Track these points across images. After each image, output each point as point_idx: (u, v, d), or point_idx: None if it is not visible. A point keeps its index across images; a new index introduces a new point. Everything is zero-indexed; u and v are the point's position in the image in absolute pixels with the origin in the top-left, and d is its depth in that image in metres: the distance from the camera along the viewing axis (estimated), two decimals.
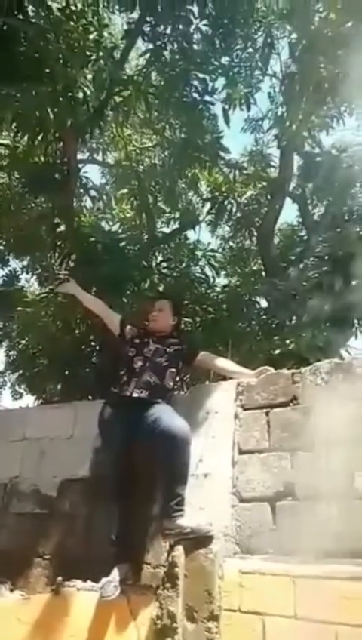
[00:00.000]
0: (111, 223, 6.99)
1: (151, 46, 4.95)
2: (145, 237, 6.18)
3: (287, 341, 4.47)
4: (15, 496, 3.07)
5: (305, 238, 6.66)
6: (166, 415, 2.47)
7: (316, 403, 2.45)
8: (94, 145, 6.46)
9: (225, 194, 6.86)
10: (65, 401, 3.75)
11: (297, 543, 2.18)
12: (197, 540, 2.25)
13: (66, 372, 5.75)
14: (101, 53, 4.38)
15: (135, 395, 2.58)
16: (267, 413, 2.57)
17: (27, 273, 9.08)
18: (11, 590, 2.67)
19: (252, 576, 2.12)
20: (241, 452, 2.54)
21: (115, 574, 2.33)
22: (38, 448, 3.16)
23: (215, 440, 2.62)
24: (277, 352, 4.44)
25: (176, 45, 4.91)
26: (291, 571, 2.05)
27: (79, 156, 6.16)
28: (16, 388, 9.49)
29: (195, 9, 4.56)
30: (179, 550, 2.25)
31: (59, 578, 2.50)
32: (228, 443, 2.58)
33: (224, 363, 2.95)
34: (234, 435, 2.59)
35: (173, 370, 2.76)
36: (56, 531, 2.81)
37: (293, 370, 2.65)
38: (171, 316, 3.06)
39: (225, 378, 2.89)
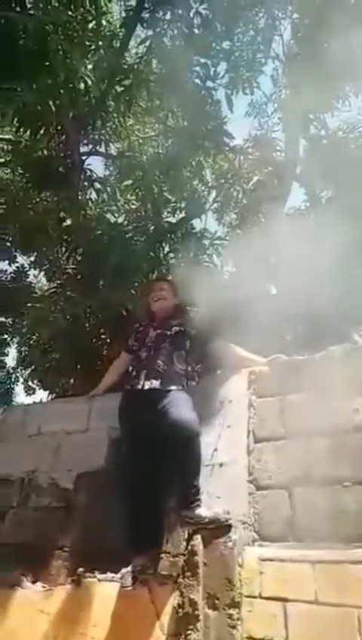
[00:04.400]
0: (116, 215, 6.95)
1: (150, 32, 4.87)
2: (152, 228, 6.14)
3: (299, 327, 4.44)
4: (33, 490, 3.09)
5: (313, 221, 6.57)
6: (174, 407, 2.43)
7: (330, 388, 2.43)
8: (97, 136, 6.39)
9: (230, 181, 6.79)
10: (78, 395, 3.75)
11: (315, 528, 2.18)
12: (216, 529, 2.26)
13: (78, 366, 5.77)
14: (100, 43, 4.33)
15: (147, 386, 2.57)
16: (281, 401, 2.55)
17: (35, 269, 9.12)
18: (33, 582, 2.70)
19: (272, 563, 2.13)
20: (257, 440, 2.53)
21: (135, 564, 2.35)
22: (54, 442, 3.18)
23: (230, 429, 2.61)
24: (288, 338, 4.42)
25: (176, 31, 4.83)
26: (311, 557, 2.05)
27: (82, 148, 6.13)
28: (29, 383, 9.59)
29: None
30: (198, 539, 2.26)
31: (80, 569, 2.53)
32: (243, 431, 2.57)
33: (236, 351, 2.92)
34: (249, 423, 2.58)
35: (182, 352, 2.73)
36: (74, 523, 2.83)
37: (306, 356, 2.63)
38: (173, 297, 3.04)
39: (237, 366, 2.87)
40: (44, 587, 2.64)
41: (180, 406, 2.46)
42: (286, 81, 5.67)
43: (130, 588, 2.28)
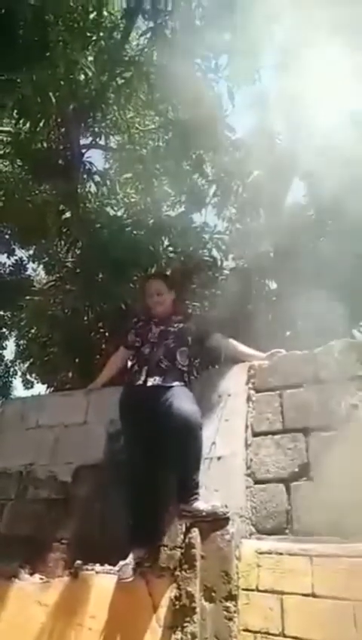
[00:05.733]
0: (116, 208, 6.92)
1: (151, 24, 4.81)
2: (151, 221, 6.11)
3: (298, 322, 4.44)
4: (31, 482, 3.10)
5: (314, 216, 6.54)
6: (176, 401, 2.45)
7: (329, 383, 2.43)
8: (96, 129, 6.35)
9: (230, 174, 6.73)
10: (76, 388, 3.75)
11: (312, 522, 2.18)
12: (214, 522, 2.27)
13: (77, 360, 5.76)
14: (101, 34, 4.30)
15: (149, 383, 2.57)
16: (280, 395, 2.55)
17: (34, 262, 9.10)
18: (31, 574, 2.71)
19: (269, 556, 2.14)
20: (255, 434, 2.53)
21: (132, 557, 2.35)
22: (52, 435, 3.19)
23: (228, 423, 2.62)
24: (288, 333, 4.42)
25: (177, 23, 4.77)
26: (308, 550, 2.06)
27: (82, 141, 6.10)
28: (28, 377, 9.58)
29: None
30: (196, 532, 2.27)
31: (78, 561, 2.54)
32: (241, 425, 2.57)
33: (235, 345, 2.91)
34: (248, 417, 2.59)
35: (184, 348, 2.73)
36: (72, 516, 2.84)
37: (305, 351, 2.62)
38: (169, 293, 3.01)
39: (236, 361, 2.87)
40: (41, 579, 2.66)
41: (182, 399, 2.47)
42: (288, 74, 5.62)
43: (128, 580, 2.29)
